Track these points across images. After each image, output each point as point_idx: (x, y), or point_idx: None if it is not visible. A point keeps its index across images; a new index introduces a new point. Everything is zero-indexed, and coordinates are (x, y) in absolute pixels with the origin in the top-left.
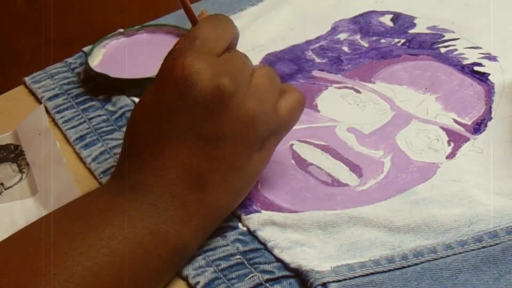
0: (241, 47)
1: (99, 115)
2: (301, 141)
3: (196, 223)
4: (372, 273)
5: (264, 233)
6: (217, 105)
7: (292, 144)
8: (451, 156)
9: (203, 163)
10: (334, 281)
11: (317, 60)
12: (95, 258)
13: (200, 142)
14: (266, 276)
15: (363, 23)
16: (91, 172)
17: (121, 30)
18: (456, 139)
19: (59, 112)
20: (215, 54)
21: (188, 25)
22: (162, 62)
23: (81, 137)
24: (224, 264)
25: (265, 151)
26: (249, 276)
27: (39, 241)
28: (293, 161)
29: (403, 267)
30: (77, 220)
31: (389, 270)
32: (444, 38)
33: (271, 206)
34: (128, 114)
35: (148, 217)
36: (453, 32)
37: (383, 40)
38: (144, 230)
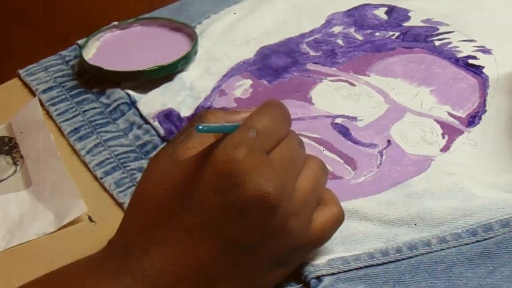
0: (235, 40)
1: (94, 108)
2: None
3: None
4: (366, 266)
5: None
6: (255, 213)
7: None
8: (445, 149)
9: (218, 266)
10: (328, 274)
11: (312, 53)
12: None
13: (223, 244)
14: None
15: (357, 16)
16: (85, 164)
17: (115, 23)
18: (450, 132)
19: (53, 104)
20: (267, 151)
21: (182, 18)
22: (203, 137)
23: (76, 130)
24: None
25: (288, 266)
26: None
27: None
28: None
29: (397, 260)
30: None
31: (383, 263)
32: (438, 31)
33: None
34: (122, 107)
35: None
36: (448, 25)
37: (377, 33)
38: None
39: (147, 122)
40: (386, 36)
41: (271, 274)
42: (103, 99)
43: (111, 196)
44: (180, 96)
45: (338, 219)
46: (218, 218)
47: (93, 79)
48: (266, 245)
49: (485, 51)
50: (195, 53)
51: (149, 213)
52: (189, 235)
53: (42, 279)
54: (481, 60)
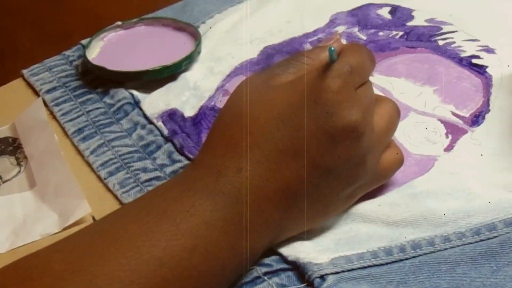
0: (239, 39)
1: (97, 108)
2: None
3: (266, 242)
4: (370, 266)
5: None
6: (343, 141)
7: None
8: (449, 148)
9: (302, 187)
10: (332, 273)
11: None
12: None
13: (310, 166)
14: (264, 269)
15: (361, 15)
16: (89, 165)
17: (119, 23)
18: (454, 132)
19: (57, 105)
20: (355, 87)
21: (186, 17)
22: (303, 63)
23: (79, 130)
24: None
25: (349, 199)
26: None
27: (110, 231)
28: None
29: (401, 260)
30: (150, 211)
31: (387, 263)
32: (442, 31)
33: None
34: (126, 107)
35: (229, 231)
36: (451, 24)
37: (381, 33)
38: (222, 243)
39: (151, 122)
40: (390, 35)
41: (340, 202)
42: (106, 99)
43: (115, 196)
44: (183, 96)
45: (400, 163)
46: (310, 142)
47: (97, 79)
48: (345, 172)
49: (489, 50)
50: (199, 52)
51: (243, 134)
52: (281, 156)
53: (138, 201)
54: (485, 59)
